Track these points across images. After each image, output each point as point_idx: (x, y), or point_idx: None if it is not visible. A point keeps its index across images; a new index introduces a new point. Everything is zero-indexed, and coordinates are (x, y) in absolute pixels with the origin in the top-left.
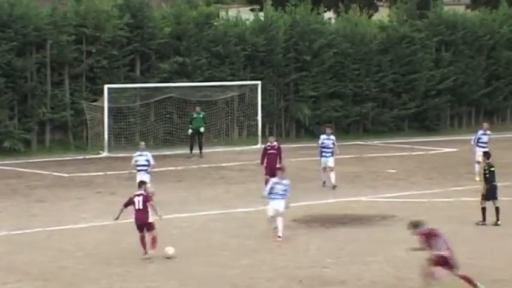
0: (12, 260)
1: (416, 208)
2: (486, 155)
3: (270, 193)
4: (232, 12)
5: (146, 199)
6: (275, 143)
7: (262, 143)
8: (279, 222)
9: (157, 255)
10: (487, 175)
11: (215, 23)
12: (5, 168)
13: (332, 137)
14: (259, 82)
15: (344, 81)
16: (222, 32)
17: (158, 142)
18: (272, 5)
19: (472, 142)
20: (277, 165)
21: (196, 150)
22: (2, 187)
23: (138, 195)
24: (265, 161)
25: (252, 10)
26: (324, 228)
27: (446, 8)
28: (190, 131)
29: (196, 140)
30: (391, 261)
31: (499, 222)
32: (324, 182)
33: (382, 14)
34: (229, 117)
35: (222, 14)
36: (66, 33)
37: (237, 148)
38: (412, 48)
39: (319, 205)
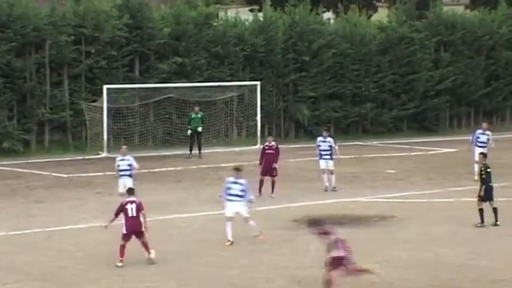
0: (11, 260)
1: (415, 208)
2: (483, 155)
3: (228, 194)
4: (231, 13)
5: (139, 207)
6: (273, 143)
7: (262, 143)
8: (252, 223)
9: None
10: (484, 176)
11: (214, 24)
12: (4, 168)
13: (329, 139)
14: (258, 82)
15: (343, 81)
16: (221, 33)
17: (157, 142)
18: (271, 5)
19: (471, 141)
20: (273, 165)
21: (195, 151)
22: (1, 188)
23: (131, 202)
24: (263, 161)
25: (251, 10)
26: None
27: (445, 9)
28: (189, 131)
29: (195, 140)
30: (390, 261)
31: (498, 223)
32: (326, 187)
33: (381, 15)
34: (229, 117)
35: (221, 14)
36: (65, 34)
37: (236, 148)
38: (411, 48)
39: (319, 205)
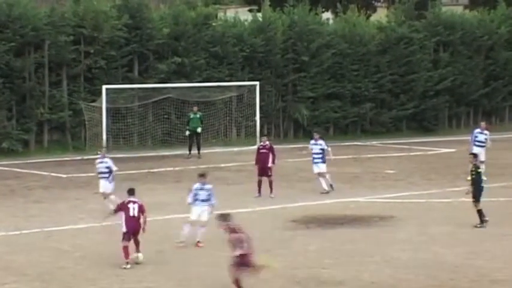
0: (10, 260)
1: (414, 209)
2: (473, 156)
3: (195, 199)
4: (230, 13)
5: (141, 208)
6: (267, 143)
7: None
8: (203, 230)
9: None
10: (474, 176)
11: (213, 24)
12: (3, 169)
13: (320, 142)
14: (257, 83)
15: (342, 81)
16: (220, 33)
17: (156, 143)
18: (270, 5)
19: (470, 140)
20: (269, 165)
21: (194, 151)
22: (0, 188)
23: (133, 202)
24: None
25: (250, 11)
26: (322, 229)
27: (444, 9)
28: (187, 132)
29: (194, 140)
30: (390, 261)
31: (482, 224)
32: (326, 190)
33: (380, 15)
34: (228, 117)
35: (220, 14)
36: (64, 34)
37: (235, 149)
38: (410, 48)
39: (318, 206)
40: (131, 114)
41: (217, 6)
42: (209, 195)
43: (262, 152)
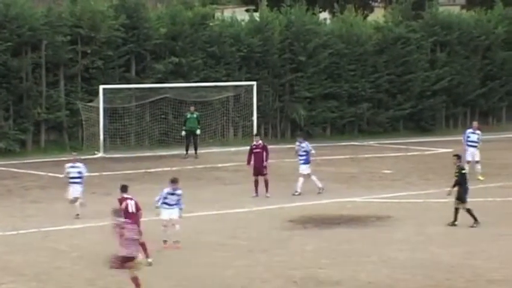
0: (7, 260)
1: (411, 209)
2: (457, 157)
3: (163, 203)
4: (227, 13)
5: (137, 205)
6: (260, 142)
7: None
8: (177, 227)
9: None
10: (457, 176)
11: (210, 24)
12: (0, 168)
13: (304, 144)
14: (254, 83)
15: (339, 81)
16: (218, 33)
17: (153, 143)
18: (267, 5)
19: (463, 141)
20: (263, 164)
21: (191, 151)
22: None
23: (130, 198)
24: (252, 161)
25: (247, 11)
26: (319, 229)
27: (441, 9)
28: (183, 132)
29: (191, 140)
30: (387, 261)
31: (456, 223)
32: (320, 188)
33: (378, 15)
34: (225, 117)
35: (218, 14)
36: (61, 34)
37: (232, 149)
38: (408, 48)
39: (315, 206)
40: (128, 114)
41: (214, 6)
42: (178, 200)
43: (256, 152)
